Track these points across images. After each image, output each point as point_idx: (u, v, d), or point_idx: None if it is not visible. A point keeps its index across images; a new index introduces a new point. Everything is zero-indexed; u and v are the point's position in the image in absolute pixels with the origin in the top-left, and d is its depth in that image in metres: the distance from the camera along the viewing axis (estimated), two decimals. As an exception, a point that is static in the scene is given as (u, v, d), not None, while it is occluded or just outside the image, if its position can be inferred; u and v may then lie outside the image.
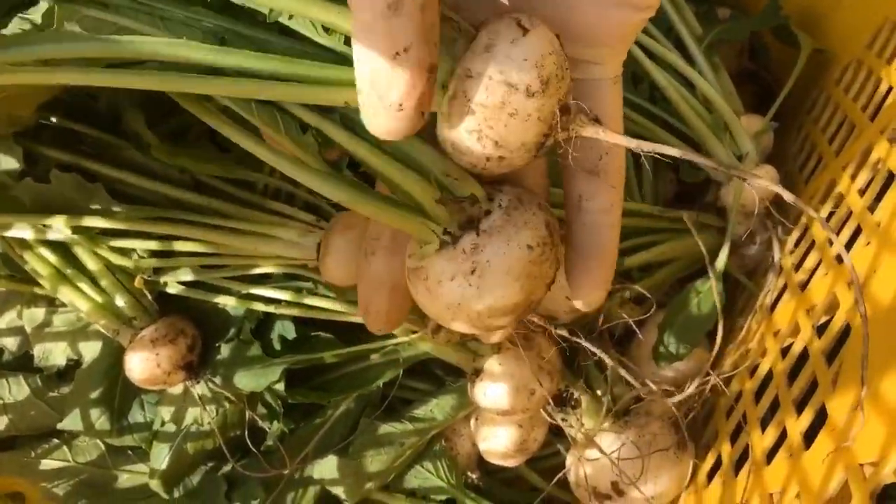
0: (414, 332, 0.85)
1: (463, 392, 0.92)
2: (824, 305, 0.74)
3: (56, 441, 0.97)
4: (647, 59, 1.00)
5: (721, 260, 0.91)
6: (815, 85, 1.12)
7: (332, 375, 0.97)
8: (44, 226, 0.82)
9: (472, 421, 0.93)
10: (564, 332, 0.58)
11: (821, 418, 0.64)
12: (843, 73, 1.03)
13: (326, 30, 0.48)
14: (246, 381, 0.91)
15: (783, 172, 0.98)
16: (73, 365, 0.96)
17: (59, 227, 0.82)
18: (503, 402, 0.79)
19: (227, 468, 0.95)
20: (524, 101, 0.44)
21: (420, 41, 0.42)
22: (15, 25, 0.63)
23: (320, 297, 0.88)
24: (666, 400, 0.78)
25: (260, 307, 0.89)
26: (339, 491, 0.93)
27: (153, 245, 0.85)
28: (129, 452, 0.98)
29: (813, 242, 0.86)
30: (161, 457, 0.93)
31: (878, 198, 0.76)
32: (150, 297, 0.90)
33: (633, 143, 0.47)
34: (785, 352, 0.78)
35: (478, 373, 0.82)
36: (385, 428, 0.93)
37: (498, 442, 0.87)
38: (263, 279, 0.90)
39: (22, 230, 0.82)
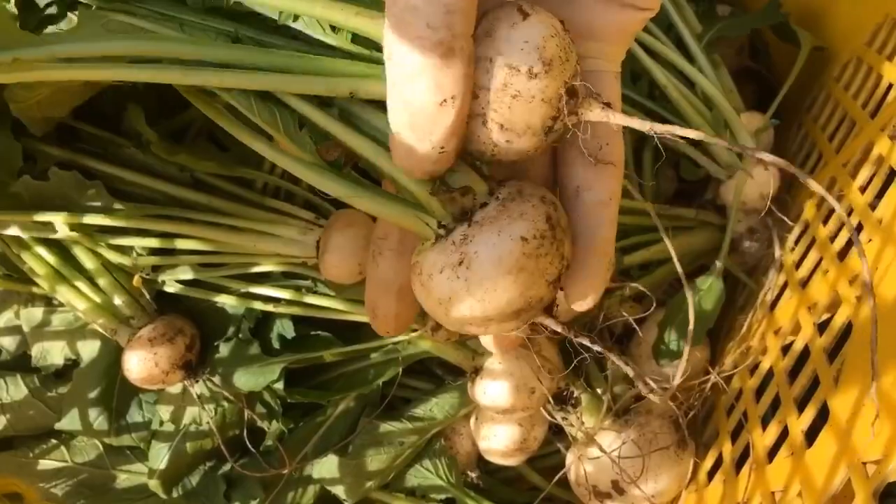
0: (414, 331, 0.85)
1: (463, 391, 0.92)
2: (826, 303, 0.73)
3: (54, 441, 0.97)
4: (646, 57, 1.00)
5: (722, 257, 0.90)
6: (816, 82, 1.12)
7: (331, 374, 0.97)
8: (42, 223, 0.82)
9: (472, 420, 0.93)
10: (585, 341, 0.55)
11: (822, 416, 0.64)
12: (843, 70, 1.03)
13: (334, 29, 0.48)
14: (245, 380, 0.90)
15: (783, 170, 0.97)
16: (71, 365, 0.95)
17: (57, 225, 0.81)
18: (503, 400, 0.79)
19: (226, 468, 0.95)
20: (527, 83, 0.44)
21: (466, 89, 0.42)
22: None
23: (320, 295, 0.87)
24: (666, 398, 0.78)
25: (259, 306, 0.89)
26: (338, 490, 0.92)
27: (152, 243, 0.85)
28: (128, 452, 0.98)
29: (814, 239, 0.85)
30: (160, 457, 0.92)
31: (880, 195, 0.76)
32: (148, 296, 0.90)
33: (647, 126, 0.46)
34: (786, 349, 0.78)
35: (477, 371, 0.82)
36: (385, 427, 0.93)
37: (498, 441, 0.87)
38: (262, 278, 0.89)
39: (20, 228, 0.82)
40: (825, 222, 0.85)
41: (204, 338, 0.93)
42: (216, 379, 0.90)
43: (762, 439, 0.73)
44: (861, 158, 0.84)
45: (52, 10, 0.63)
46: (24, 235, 0.82)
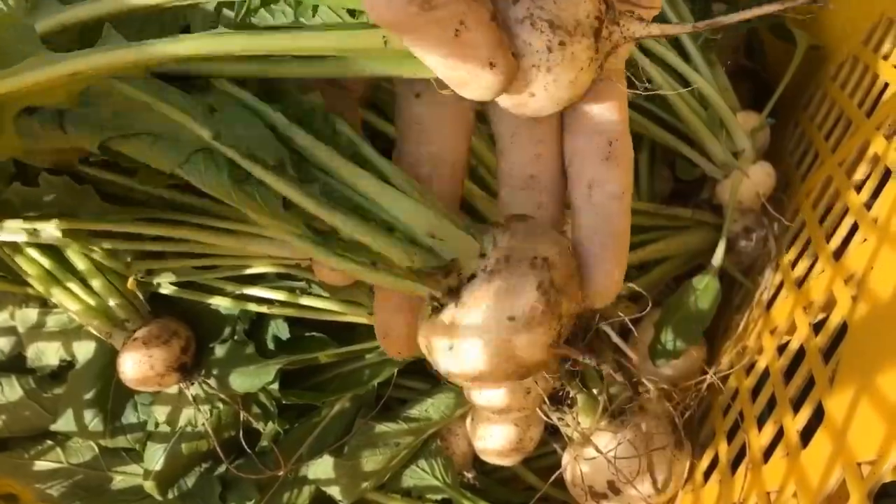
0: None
1: (458, 391, 0.91)
2: (821, 302, 0.73)
3: (49, 442, 0.97)
4: (642, 56, 1.00)
5: (718, 257, 0.90)
6: (812, 81, 1.12)
7: (326, 375, 0.97)
8: (34, 229, 0.81)
9: (468, 420, 0.93)
10: (593, 362, 0.53)
11: (818, 416, 0.64)
12: (839, 69, 1.03)
13: (352, 13, 0.47)
14: (240, 381, 0.90)
15: (779, 169, 0.97)
16: (67, 366, 0.95)
17: (49, 231, 0.81)
18: (498, 400, 0.79)
19: (221, 469, 0.95)
20: None
21: (469, 7, 0.41)
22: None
23: (314, 296, 0.87)
24: (663, 399, 0.78)
25: (253, 307, 0.89)
26: (334, 491, 0.92)
27: (145, 246, 0.84)
28: (123, 454, 0.98)
29: (810, 239, 0.85)
30: (155, 458, 0.92)
31: (875, 194, 0.76)
32: (142, 298, 0.89)
33: (688, 27, 0.45)
34: (782, 349, 0.77)
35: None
36: (380, 428, 0.93)
37: (494, 441, 0.86)
38: (257, 279, 0.89)
39: (12, 234, 0.81)
40: (821, 221, 0.85)
41: (199, 339, 0.92)
42: (211, 381, 0.90)
43: (758, 439, 0.73)
44: (857, 157, 0.84)
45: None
46: (17, 239, 0.82)
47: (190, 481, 0.94)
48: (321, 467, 0.92)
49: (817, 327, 0.72)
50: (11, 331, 0.96)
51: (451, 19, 0.40)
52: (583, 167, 0.53)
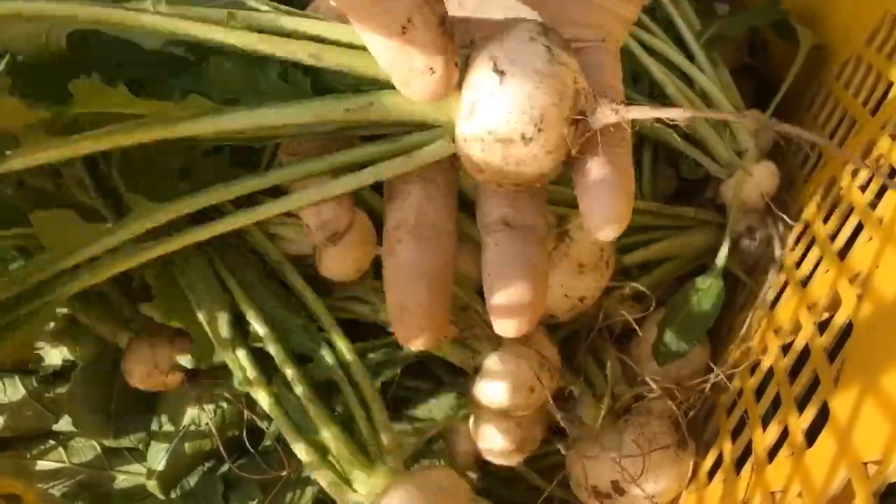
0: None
1: (462, 391, 0.91)
2: (826, 302, 0.73)
3: (52, 442, 0.97)
4: (645, 55, 1.00)
5: (721, 257, 0.90)
6: (815, 80, 1.11)
7: (330, 375, 0.97)
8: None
9: (471, 420, 0.92)
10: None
11: (823, 416, 0.64)
12: (842, 68, 1.02)
13: None
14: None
15: (783, 169, 0.97)
16: (69, 365, 0.95)
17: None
18: (502, 400, 0.79)
19: (224, 469, 0.94)
20: (524, 149, 0.45)
21: (419, 6, 0.41)
22: None
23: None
24: (666, 399, 0.78)
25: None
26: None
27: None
28: (126, 453, 0.97)
29: (814, 238, 0.85)
30: (158, 458, 0.92)
31: (880, 194, 0.75)
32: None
33: (664, 113, 0.45)
34: (786, 349, 0.77)
35: (477, 371, 0.82)
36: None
37: (496, 441, 0.86)
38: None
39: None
40: (826, 221, 0.85)
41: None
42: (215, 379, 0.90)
43: (762, 439, 0.73)
44: (861, 157, 0.84)
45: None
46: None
47: (192, 481, 0.94)
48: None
49: (822, 327, 0.72)
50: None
51: (401, 13, 0.40)
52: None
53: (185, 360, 0.87)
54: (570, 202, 0.69)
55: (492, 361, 0.80)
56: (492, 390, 0.79)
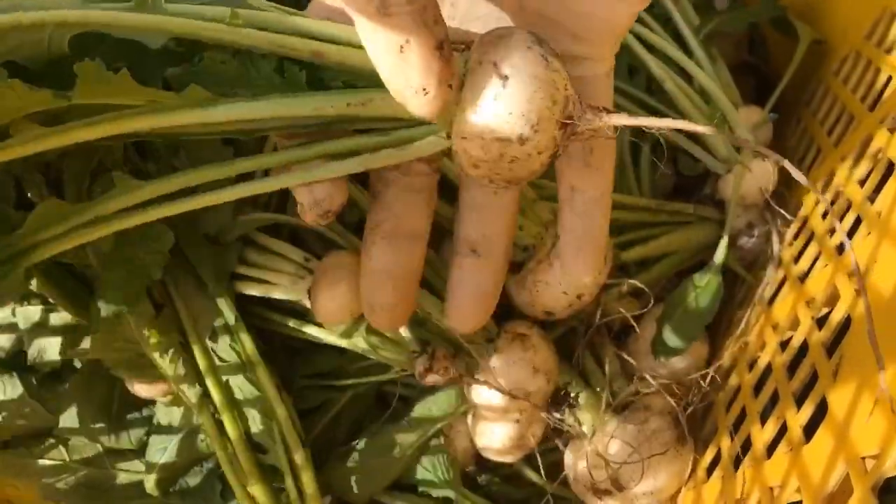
0: (404, 371, 0.87)
1: (460, 388, 0.91)
2: (824, 297, 0.73)
3: (52, 440, 0.97)
4: (644, 51, 1.00)
5: (720, 253, 0.90)
6: (814, 76, 1.11)
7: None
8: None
9: (469, 417, 0.92)
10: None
11: (822, 412, 0.64)
12: (841, 63, 1.02)
13: None
14: (242, 379, 0.90)
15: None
16: (68, 364, 0.95)
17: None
18: (497, 400, 0.79)
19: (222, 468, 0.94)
20: (520, 148, 0.48)
21: (417, 30, 0.43)
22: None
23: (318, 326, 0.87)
24: (665, 395, 0.78)
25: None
26: (342, 494, 0.92)
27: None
28: (126, 451, 0.98)
29: (812, 234, 0.85)
30: (157, 456, 0.92)
31: (878, 188, 0.75)
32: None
33: (643, 122, 0.49)
34: (784, 345, 0.77)
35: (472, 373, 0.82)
36: (384, 428, 0.93)
37: (495, 438, 0.86)
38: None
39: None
40: (824, 216, 0.84)
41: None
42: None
43: (761, 435, 0.73)
44: (860, 152, 0.84)
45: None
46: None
47: (191, 480, 0.94)
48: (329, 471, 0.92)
49: (820, 322, 0.72)
50: (13, 328, 0.96)
51: (400, 33, 0.42)
52: (564, 174, 0.58)
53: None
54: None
55: (488, 363, 0.80)
56: (488, 392, 0.79)
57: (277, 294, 0.85)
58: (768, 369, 0.78)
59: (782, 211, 0.91)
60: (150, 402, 0.96)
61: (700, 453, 0.85)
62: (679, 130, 1.01)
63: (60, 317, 0.94)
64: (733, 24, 1.08)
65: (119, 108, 0.49)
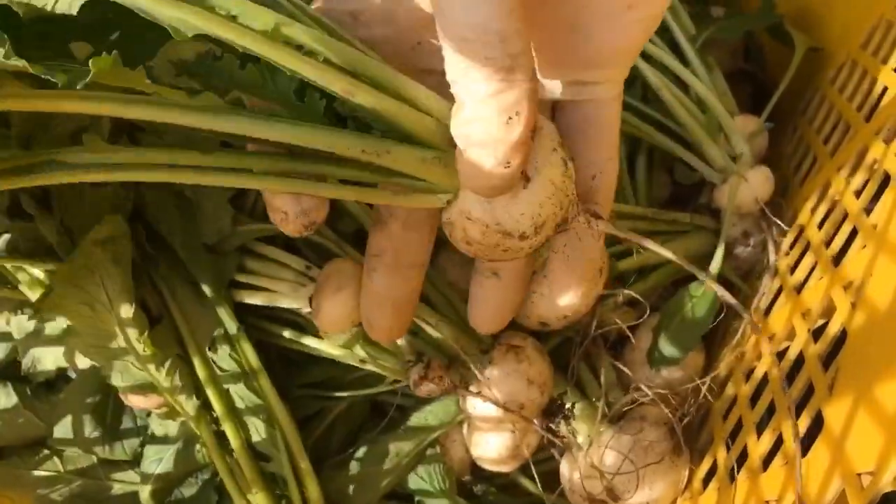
0: (398, 382, 0.87)
1: (456, 398, 0.91)
2: (820, 309, 0.73)
3: (46, 451, 0.96)
4: (640, 60, 1.00)
5: (716, 262, 0.90)
6: (810, 85, 1.11)
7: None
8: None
9: (465, 427, 0.92)
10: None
11: (818, 425, 0.63)
12: (838, 72, 1.02)
13: None
14: (238, 389, 0.90)
15: (778, 174, 0.97)
16: (63, 374, 0.94)
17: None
18: (494, 411, 0.78)
19: (218, 478, 0.94)
20: (518, 243, 0.50)
21: (530, 107, 0.44)
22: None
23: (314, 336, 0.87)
24: (661, 405, 0.78)
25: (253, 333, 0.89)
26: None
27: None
28: (121, 462, 0.97)
29: (808, 245, 0.85)
30: (152, 467, 0.91)
31: (874, 199, 0.75)
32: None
33: (630, 237, 0.58)
34: (781, 356, 0.77)
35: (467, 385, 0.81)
36: (380, 437, 0.92)
37: (490, 448, 0.86)
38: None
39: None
40: (820, 227, 0.84)
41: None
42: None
43: (757, 447, 0.73)
44: (856, 162, 0.84)
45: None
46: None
47: (186, 490, 0.94)
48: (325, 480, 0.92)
49: (816, 334, 0.71)
50: (6, 337, 0.96)
51: (517, 103, 0.43)
52: None
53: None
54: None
55: (483, 375, 0.80)
56: (483, 402, 0.79)
57: (278, 302, 0.84)
58: (764, 380, 0.78)
59: (778, 220, 0.91)
60: (145, 413, 0.95)
61: (696, 464, 0.85)
62: (675, 139, 1.01)
63: (55, 326, 0.94)
64: (729, 33, 1.08)
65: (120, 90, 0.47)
